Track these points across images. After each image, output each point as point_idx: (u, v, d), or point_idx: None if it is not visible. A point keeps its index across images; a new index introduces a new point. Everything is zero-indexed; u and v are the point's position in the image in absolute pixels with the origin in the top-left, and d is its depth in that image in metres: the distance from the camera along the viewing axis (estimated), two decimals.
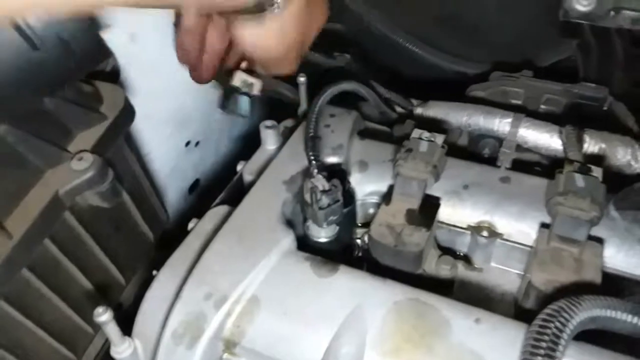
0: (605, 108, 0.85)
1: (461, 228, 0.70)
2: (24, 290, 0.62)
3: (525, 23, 0.97)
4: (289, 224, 0.68)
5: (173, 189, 1.03)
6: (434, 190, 0.71)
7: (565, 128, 0.75)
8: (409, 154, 0.70)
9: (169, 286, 0.63)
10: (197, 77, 0.71)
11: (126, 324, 0.60)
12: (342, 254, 0.71)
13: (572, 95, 0.85)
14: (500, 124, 0.80)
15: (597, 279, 0.60)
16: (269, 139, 0.83)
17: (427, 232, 0.66)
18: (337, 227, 0.68)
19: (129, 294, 0.84)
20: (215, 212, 0.72)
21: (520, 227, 0.68)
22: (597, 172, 0.65)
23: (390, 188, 0.71)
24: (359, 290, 0.59)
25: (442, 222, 0.71)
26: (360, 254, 0.77)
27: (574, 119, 0.80)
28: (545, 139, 0.77)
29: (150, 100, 0.89)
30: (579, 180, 0.64)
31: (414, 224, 0.67)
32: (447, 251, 0.71)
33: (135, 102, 0.77)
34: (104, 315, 0.54)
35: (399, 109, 0.92)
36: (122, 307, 0.83)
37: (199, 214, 0.73)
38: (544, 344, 0.49)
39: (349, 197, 0.72)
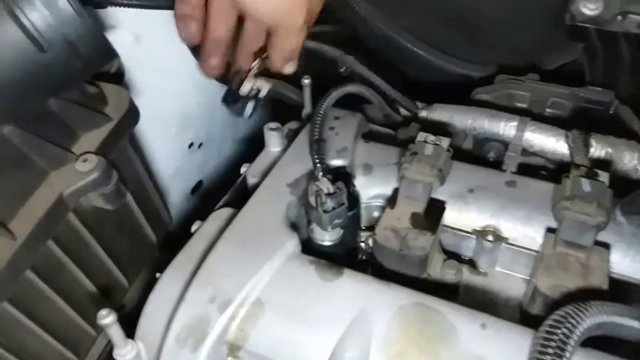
0: (611, 112, 0.84)
1: (466, 232, 0.70)
2: (27, 292, 0.61)
3: (531, 26, 0.96)
4: (293, 227, 0.67)
5: (176, 190, 1.03)
6: (439, 193, 0.71)
7: (571, 132, 0.75)
8: (414, 157, 0.69)
9: (172, 289, 0.62)
10: (206, 67, 0.70)
11: (129, 326, 0.60)
12: (346, 257, 0.71)
13: (578, 99, 0.84)
14: (506, 127, 0.80)
15: (604, 284, 0.60)
16: (273, 141, 0.82)
17: (432, 236, 0.65)
18: (342, 231, 0.68)
19: (132, 295, 0.83)
20: (219, 215, 0.71)
21: (526, 231, 0.68)
22: (603, 177, 0.65)
23: (395, 191, 0.71)
24: (364, 294, 0.59)
25: (447, 226, 0.70)
26: (364, 257, 0.77)
27: (579, 122, 0.79)
28: (551, 143, 0.77)
29: (154, 101, 0.89)
30: (586, 185, 0.64)
31: (419, 227, 0.66)
32: (451, 255, 0.71)
33: (139, 102, 0.77)
34: (107, 318, 0.54)
35: (403, 112, 0.91)
36: (124, 308, 0.83)
37: (202, 216, 0.73)
38: (551, 350, 0.49)
39: (353, 200, 0.72)
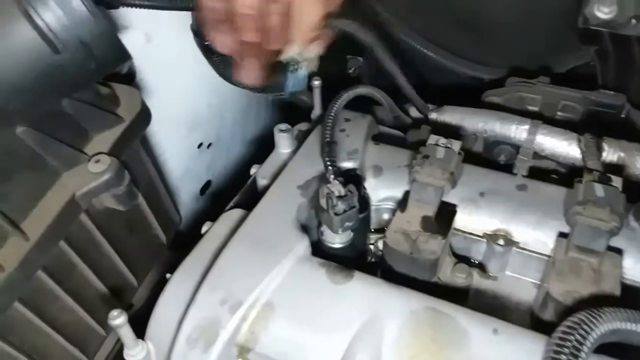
0: (623, 116, 0.84)
1: (477, 236, 0.70)
2: (37, 292, 0.62)
3: (541, 28, 0.96)
4: (304, 229, 0.67)
5: (185, 190, 1.03)
6: (450, 197, 0.70)
7: (584, 136, 0.74)
8: (425, 161, 0.69)
9: (182, 290, 0.62)
10: (242, 74, 0.67)
11: (138, 326, 0.60)
12: (355, 259, 0.71)
13: (590, 102, 0.84)
14: (517, 130, 0.80)
15: (617, 290, 0.60)
16: (283, 143, 0.82)
17: (443, 240, 0.65)
18: (352, 233, 0.68)
19: (141, 295, 0.84)
20: (229, 216, 0.71)
21: (537, 236, 0.67)
22: (616, 181, 0.65)
23: (406, 194, 0.71)
24: (374, 298, 0.58)
25: (457, 230, 0.70)
26: (373, 260, 0.77)
27: (591, 126, 0.79)
28: (563, 147, 0.77)
29: (165, 102, 0.89)
30: (599, 189, 0.63)
31: (429, 231, 0.66)
32: (461, 259, 0.70)
33: (150, 103, 0.77)
34: (118, 319, 0.54)
35: (412, 113, 0.91)
36: (133, 307, 0.84)
37: (212, 217, 0.73)
38: (564, 357, 0.48)
39: (364, 202, 0.72)
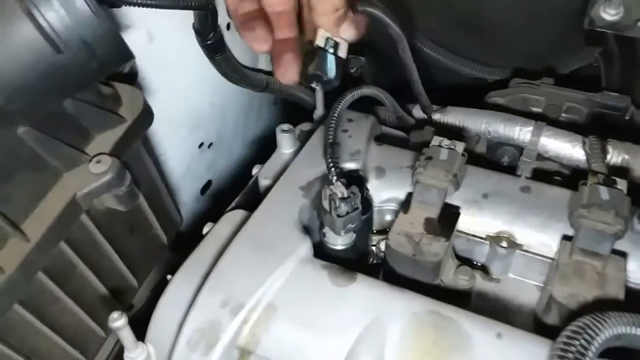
0: (627, 118, 0.83)
1: (480, 238, 0.69)
2: (37, 293, 0.61)
3: (545, 29, 0.95)
4: (306, 230, 0.67)
5: (186, 190, 1.03)
6: (453, 198, 0.70)
7: (588, 138, 0.74)
8: (429, 162, 0.69)
9: (183, 292, 0.62)
10: (282, 72, 0.64)
11: (138, 326, 0.60)
12: (358, 261, 0.70)
13: (594, 104, 0.83)
14: (521, 132, 0.79)
15: (620, 293, 0.59)
16: (285, 143, 0.82)
17: (446, 242, 0.65)
18: (354, 235, 0.67)
19: (142, 295, 0.83)
20: (231, 217, 0.71)
21: (540, 238, 0.67)
22: (621, 184, 0.64)
23: (409, 196, 0.70)
24: (377, 301, 0.58)
25: (460, 232, 0.70)
26: (375, 261, 0.76)
27: (595, 128, 0.78)
28: (567, 149, 0.76)
29: (167, 101, 0.89)
30: (604, 192, 0.63)
31: (432, 233, 0.66)
32: (464, 261, 0.70)
33: (152, 102, 0.76)
34: (119, 321, 0.54)
35: (417, 115, 0.91)
36: (133, 308, 0.83)
37: (213, 217, 0.73)
38: None
39: (366, 204, 0.71)
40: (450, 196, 0.69)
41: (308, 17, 0.66)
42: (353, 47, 1.05)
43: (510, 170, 0.77)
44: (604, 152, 0.73)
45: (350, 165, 0.76)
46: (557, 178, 0.80)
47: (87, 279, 0.68)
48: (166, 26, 0.85)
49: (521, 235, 0.68)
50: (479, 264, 0.72)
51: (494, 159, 0.85)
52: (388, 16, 0.68)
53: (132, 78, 0.79)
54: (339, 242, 0.67)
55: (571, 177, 0.79)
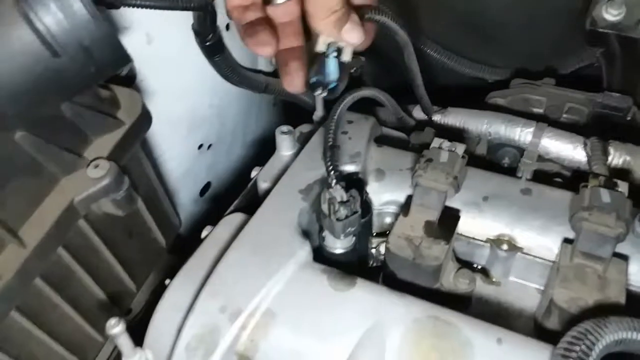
0: (628, 118, 0.83)
1: (480, 241, 0.69)
2: (35, 299, 0.61)
3: (546, 29, 0.95)
4: (305, 234, 0.67)
5: (185, 192, 1.02)
6: (453, 201, 0.69)
7: (590, 140, 0.73)
8: (429, 164, 0.68)
9: (182, 296, 0.62)
10: (289, 80, 0.62)
11: (137, 331, 0.59)
12: (357, 264, 0.70)
13: (595, 104, 0.83)
14: (522, 133, 0.79)
15: (622, 297, 0.59)
16: (285, 145, 0.81)
17: (447, 246, 0.64)
18: (354, 238, 0.67)
19: (140, 299, 0.83)
20: (230, 220, 0.71)
21: (541, 241, 0.66)
22: (622, 186, 0.64)
23: (409, 198, 0.70)
24: (377, 306, 0.58)
25: (460, 234, 0.69)
26: (375, 264, 0.76)
27: (596, 128, 0.78)
28: (569, 150, 0.76)
29: (166, 102, 0.89)
30: (605, 195, 0.62)
31: (432, 236, 0.65)
32: (464, 264, 0.70)
33: (150, 103, 0.76)
34: (116, 328, 0.53)
35: (417, 115, 0.90)
36: (132, 312, 0.83)
37: (212, 219, 0.72)
38: None
39: (366, 207, 0.71)
40: (450, 199, 0.69)
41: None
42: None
43: (511, 171, 0.77)
44: (605, 154, 0.72)
45: (349, 168, 0.75)
46: (558, 179, 0.80)
47: (85, 284, 0.68)
48: (165, 27, 0.84)
49: (522, 238, 0.67)
50: (480, 267, 0.71)
51: (494, 160, 0.84)
52: (396, 23, 0.67)
53: (130, 80, 0.79)
54: (338, 245, 0.67)
55: (572, 179, 0.79)
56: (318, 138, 0.79)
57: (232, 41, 0.92)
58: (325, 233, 0.67)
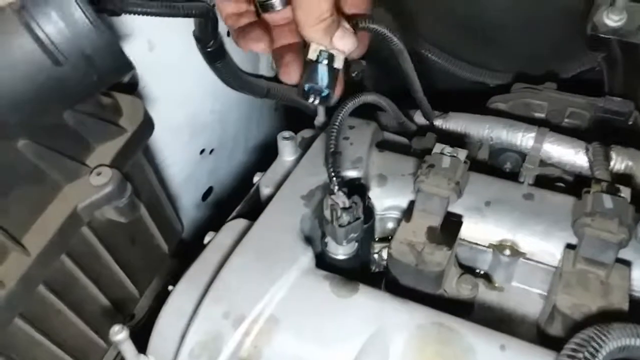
0: (630, 123, 0.83)
1: (483, 246, 0.69)
2: (39, 306, 0.61)
3: (548, 33, 0.95)
4: (307, 240, 0.67)
5: (187, 197, 1.02)
6: (455, 206, 0.69)
7: (592, 145, 0.73)
8: (430, 170, 0.68)
9: (185, 303, 0.62)
10: (285, 71, 0.63)
11: (140, 337, 0.60)
12: (360, 270, 0.70)
13: (597, 109, 0.83)
14: (524, 138, 0.79)
15: (624, 303, 0.59)
16: (287, 151, 0.82)
17: (449, 251, 0.64)
18: (356, 244, 0.67)
19: (143, 304, 0.83)
20: (232, 226, 0.71)
21: (544, 246, 0.67)
22: (625, 192, 0.64)
23: (411, 204, 0.70)
24: (380, 312, 0.58)
25: (463, 240, 0.69)
26: (377, 269, 0.76)
27: (598, 133, 0.78)
28: (570, 155, 0.76)
29: (168, 108, 0.89)
30: (607, 201, 0.62)
31: (435, 242, 0.65)
32: (467, 269, 0.70)
33: (152, 109, 0.76)
34: (120, 334, 0.53)
35: (418, 120, 0.90)
36: (135, 317, 0.83)
37: (214, 224, 0.72)
38: None
39: (368, 212, 0.71)
40: (452, 204, 0.69)
41: None
42: None
43: (513, 176, 0.77)
44: (607, 159, 0.72)
45: (351, 174, 0.75)
46: (560, 184, 0.80)
47: (88, 290, 0.68)
48: (167, 34, 0.84)
49: (524, 244, 0.67)
50: (482, 272, 0.71)
51: (496, 165, 0.84)
52: (390, 30, 0.67)
53: (132, 87, 0.79)
54: (340, 251, 0.67)
55: (574, 183, 0.79)
56: (320, 143, 0.79)
57: (233, 47, 0.92)
58: (328, 239, 0.67)
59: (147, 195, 0.73)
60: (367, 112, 0.86)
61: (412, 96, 0.83)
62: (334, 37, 0.59)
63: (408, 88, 0.80)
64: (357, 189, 0.71)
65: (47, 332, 0.62)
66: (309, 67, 0.61)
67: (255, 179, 0.83)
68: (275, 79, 1.06)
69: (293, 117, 1.14)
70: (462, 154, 0.71)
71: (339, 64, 0.61)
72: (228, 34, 0.93)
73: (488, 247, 0.69)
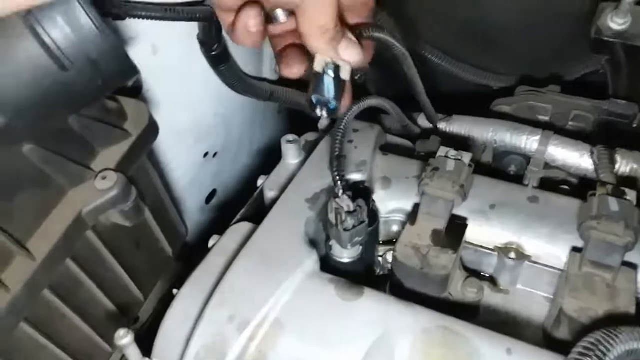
0: (635, 125, 0.83)
1: (488, 249, 0.69)
2: (44, 310, 0.61)
3: (552, 36, 0.95)
4: (312, 243, 0.66)
5: (191, 200, 1.03)
6: (460, 209, 0.69)
7: (597, 148, 0.73)
8: (435, 173, 0.68)
9: (190, 307, 0.62)
10: (285, 66, 0.62)
11: (144, 340, 0.59)
12: (364, 273, 0.70)
13: (601, 111, 0.83)
14: (529, 141, 0.78)
15: (631, 306, 0.58)
16: (290, 154, 0.81)
17: (454, 255, 0.64)
18: (361, 248, 0.67)
19: (147, 307, 0.83)
20: (237, 230, 0.71)
21: (549, 249, 0.66)
22: (631, 195, 0.63)
23: (416, 207, 0.70)
24: (385, 316, 0.57)
25: (468, 243, 0.69)
26: (382, 272, 0.76)
27: (603, 136, 0.78)
28: (575, 158, 0.75)
29: (172, 112, 0.89)
30: (613, 204, 0.62)
31: (440, 245, 0.65)
32: (472, 272, 0.69)
33: (157, 113, 0.76)
34: (125, 339, 0.53)
35: (422, 123, 0.90)
36: (139, 320, 0.83)
37: (218, 228, 0.72)
38: None
39: (372, 216, 0.71)
40: (457, 207, 0.69)
41: None
42: None
43: (517, 179, 0.77)
44: (613, 162, 0.72)
45: (356, 177, 0.75)
46: (565, 187, 0.79)
47: (93, 294, 0.68)
48: (171, 38, 0.85)
49: (530, 246, 0.67)
50: (487, 276, 0.71)
51: (500, 168, 0.84)
52: (393, 37, 0.67)
53: (137, 91, 0.79)
54: (345, 255, 0.66)
55: (578, 186, 0.79)
56: (324, 146, 0.79)
57: (237, 50, 0.93)
58: (332, 242, 0.66)
59: (151, 199, 0.73)
60: (370, 116, 0.86)
61: (415, 99, 0.83)
62: (339, 48, 0.59)
63: (412, 92, 0.80)
64: (361, 192, 0.71)
65: (52, 336, 0.62)
66: (315, 79, 0.61)
67: (259, 182, 0.83)
68: (279, 82, 1.06)
69: (297, 120, 1.14)
70: (466, 157, 0.71)
71: (345, 75, 0.61)
72: None
73: (493, 250, 0.68)
